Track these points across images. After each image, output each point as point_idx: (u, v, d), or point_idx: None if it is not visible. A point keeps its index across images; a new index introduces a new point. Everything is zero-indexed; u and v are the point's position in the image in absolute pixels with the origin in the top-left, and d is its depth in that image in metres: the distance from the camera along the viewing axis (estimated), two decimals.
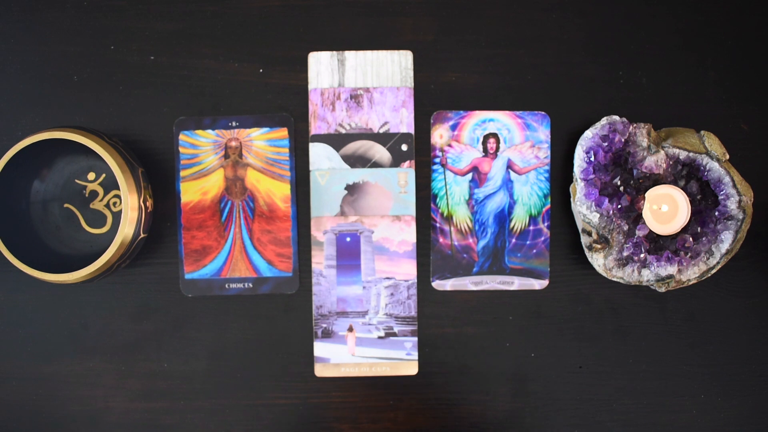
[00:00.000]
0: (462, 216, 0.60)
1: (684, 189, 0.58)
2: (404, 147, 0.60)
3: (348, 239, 0.60)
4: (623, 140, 0.57)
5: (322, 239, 0.60)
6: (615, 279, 0.58)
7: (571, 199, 0.58)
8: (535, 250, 0.60)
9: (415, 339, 0.61)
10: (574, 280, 0.61)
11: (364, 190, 0.60)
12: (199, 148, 0.60)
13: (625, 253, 0.57)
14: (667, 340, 0.61)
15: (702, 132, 0.58)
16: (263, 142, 0.60)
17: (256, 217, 0.60)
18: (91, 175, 0.59)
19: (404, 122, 0.60)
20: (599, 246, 0.58)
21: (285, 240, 0.60)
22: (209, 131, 0.60)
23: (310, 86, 0.60)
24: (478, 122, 0.60)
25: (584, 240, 0.58)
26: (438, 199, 0.60)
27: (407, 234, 0.60)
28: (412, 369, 0.61)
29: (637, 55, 0.60)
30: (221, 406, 0.61)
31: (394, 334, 0.60)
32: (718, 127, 0.60)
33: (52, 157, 0.58)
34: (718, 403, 0.61)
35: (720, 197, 0.57)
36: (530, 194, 0.60)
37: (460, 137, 0.60)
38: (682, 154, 0.57)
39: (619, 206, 0.57)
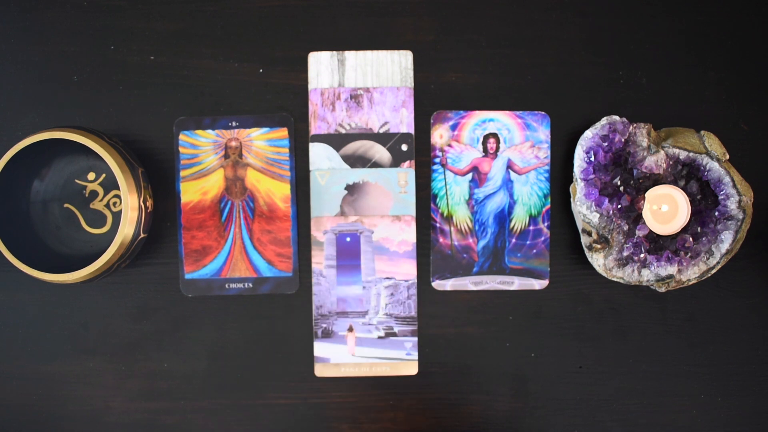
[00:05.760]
0: (462, 216, 0.60)
1: (684, 189, 0.58)
2: (404, 147, 0.60)
3: (348, 239, 0.60)
4: (623, 140, 0.57)
5: (322, 239, 0.60)
6: (615, 279, 0.58)
7: (571, 199, 0.58)
8: (535, 250, 0.60)
9: (415, 339, 0.61)
10: (574, 280, 0.61)
11: (364, 190, 0.60)
12: (199, 148, 0.60)
13: (625, 253, 0.57)
14: (667, 340, 0.61)
15: (702, 132, 0.58)
16: (263, 142, 0.60)
17: (256, 217, 0.60)
18: (91, 175, 0.59)
19: (404, 122, 0.60)
20: (599, 246, 0.58)
21: (285, 240, 0.60)
22: (209, 131, 0.60)
23: (310, 86, 0.60)
24: (478, 122, 0.60)
25: (584, 240, 0.58)
26: (438, 199, 0.60)
27: (407, 234, 0.60)
28: (412, 369, 0.61)
29: (637, 55, 0.60)
30: (221, 406, 0.61)
31: (394, 334, 0.60)
32: (718, 127, 0.60)
33: (52, 157, 0.58)
34: (718, 403, 0.61)
35: (720, 197, 0.57)
36: (530, 194, 0.60)
37: (460, 137, 0.60)
38: (682, 154, 0.57)
39: (619, 206, 0.57)
